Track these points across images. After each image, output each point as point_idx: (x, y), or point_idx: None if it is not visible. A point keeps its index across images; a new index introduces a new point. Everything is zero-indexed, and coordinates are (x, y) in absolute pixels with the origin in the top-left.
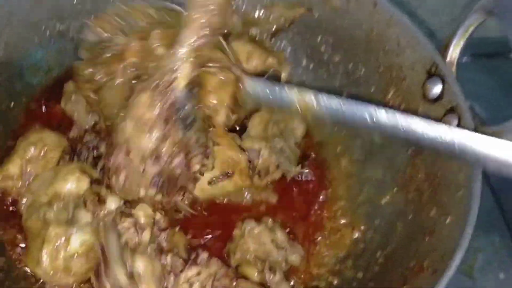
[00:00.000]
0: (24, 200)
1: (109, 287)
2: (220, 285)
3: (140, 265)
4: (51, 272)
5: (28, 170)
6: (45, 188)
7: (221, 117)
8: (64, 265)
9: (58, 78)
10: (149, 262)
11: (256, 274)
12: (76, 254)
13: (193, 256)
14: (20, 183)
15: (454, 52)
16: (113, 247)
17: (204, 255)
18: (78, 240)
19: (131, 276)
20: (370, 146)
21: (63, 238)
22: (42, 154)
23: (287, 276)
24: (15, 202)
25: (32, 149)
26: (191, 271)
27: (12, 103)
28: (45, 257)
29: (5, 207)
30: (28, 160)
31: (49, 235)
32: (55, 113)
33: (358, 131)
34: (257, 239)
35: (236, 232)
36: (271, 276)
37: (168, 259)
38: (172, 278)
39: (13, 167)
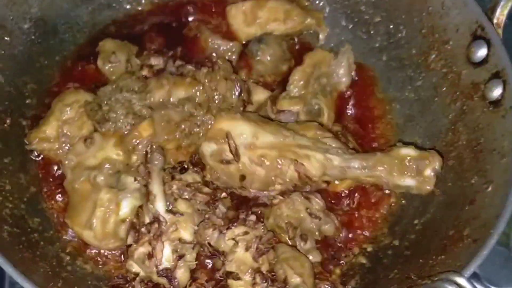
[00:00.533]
0: (67, 162)
1: (147, 218)
2: (263, 247)
3: (183, 206)
4: (101, 236)
5: (64, 132)
6: (94, 151)
7: None
8: (114, 230)
9: (92, 36)
10: (190, 206)
11: (287, 240)
12: (126, 219)
13: (242, 216)
14: (57, 145)
15: (501, 14)
16: (156, 181)
17: (252, 217)
18: (128, 206)
19: (171, 211)
20: (409, 110)
21: (114, 203)
22: (78, 115)
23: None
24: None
25: (68, 111)
26: (238, 229)
27: (46, 61)
28: (96, 221)
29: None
30: (64, 121)
31: (102, 199)
32: (90, 72)
33: (397, 94)
34: (291, 205)
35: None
36: (302, 244)
37: (220, 208)
38: (216, 234)
39: (50, 129)
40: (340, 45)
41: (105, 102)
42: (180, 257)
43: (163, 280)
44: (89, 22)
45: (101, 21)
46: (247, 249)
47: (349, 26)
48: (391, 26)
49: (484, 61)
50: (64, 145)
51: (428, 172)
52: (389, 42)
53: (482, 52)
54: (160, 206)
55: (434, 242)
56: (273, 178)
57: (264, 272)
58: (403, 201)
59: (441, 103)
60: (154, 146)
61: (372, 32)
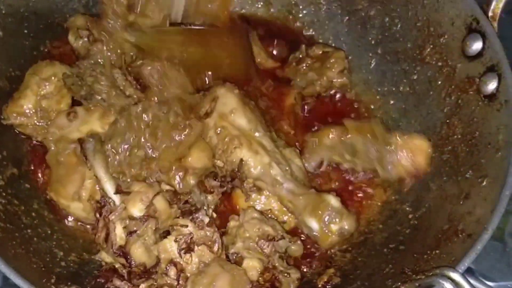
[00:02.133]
0: (49, 135)
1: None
2: (191, 247)
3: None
4: (89, 208)
5: (43, 106)
6: (78, 125)
7: None
8: None
9: None
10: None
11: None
12: None
13: (195, 215)
14: (35, 119)
15: (496, 7)
16: (96, 165)
17: (205, 218)
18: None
19: (118, 191)
20: (405, 104)
21: None
22: (56, 90)
23: None
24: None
25: (46, 86)
26: (182, 221)
27: (39, 55)
28: (86, 193)
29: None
30: (43, 96)
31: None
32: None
33: (392, 88)
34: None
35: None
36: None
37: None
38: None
39: (27, 103)
40: (336, 37)
41: (89, 74)
42: (131, 233)
43: (122, 260)
44: None
45: (96, 14)
46: (176, 240)
47: (345, 19)
48: (386, 19)
49: (479, 54)
50: (42, 119)
51: (335, 227)
52: (384, 35)
53: (477, 46)
54: (107, 187)
55: (429, 237)
56: (219, 151)
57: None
58: (397, 196)
59: (436, 97)
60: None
61: (367, 25)
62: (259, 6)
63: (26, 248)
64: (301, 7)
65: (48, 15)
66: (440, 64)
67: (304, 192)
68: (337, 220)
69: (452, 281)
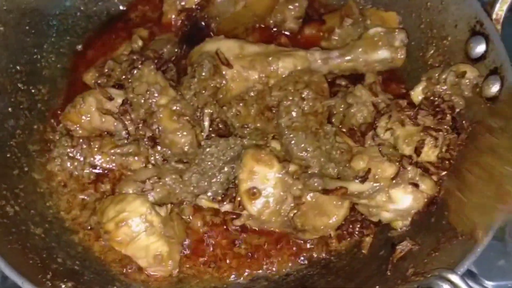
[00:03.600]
0: None
1: None
2: None
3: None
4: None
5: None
6: None
7: None
8: None
9: (87, 28)
10: None
11: None
12: None
13: None
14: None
15: (500, 9)
16: None
17: None
18: None
19: None
20: None
21: None
22: None
23: None
24: None
25: None
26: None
27: (39, 52)
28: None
29: None
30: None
31: None
32: None
33: None
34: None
35: None
36: None
37: None
38: None
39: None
40: None
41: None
42: None
43: None
44: (84, 14)
45: (96, 12)
46: None
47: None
48: None
49: (483, 57)
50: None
51: (397, 43)
52: None
53: (480, 48)
54: None
55: (429, 239)
56: (266, 77)
57: None
58: None
59: None
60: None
61: None
62: None
63: (23, 243)
64: None
65: (49, 11)
66: (443, 66)
67: (348, 46)
68: (393, 36)
69: (451, 283)
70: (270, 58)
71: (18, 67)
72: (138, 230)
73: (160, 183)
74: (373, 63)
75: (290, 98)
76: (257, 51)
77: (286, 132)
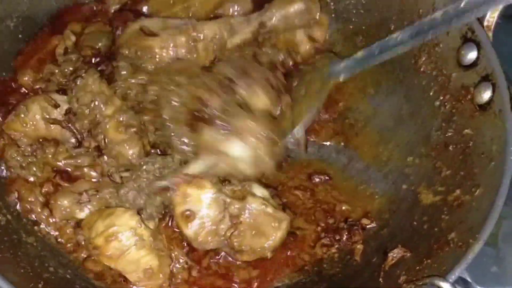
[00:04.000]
0: None
1: None
2: None
3: None
4: None
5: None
6: None
7: None
8: None
9: None
10: None
11: None
12: None
13: None
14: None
15: (491, 16)
16: None
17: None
18: None
19: None
20: (399, 112)
21: None
22: None
23: None
24: None
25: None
26: None
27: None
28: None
29: None
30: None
31: None
32: None
33: (387, 97)
34: None
35: None
36: None
37: None
38: None
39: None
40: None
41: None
42: None
43: None
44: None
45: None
46: None
47: (338, 26)
48: (382, 29)
49: (474, 64)
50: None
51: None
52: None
53: (472, 55)
54: None
55: (421, 246)
56: (193, 41)
57: None
58: (390, 205)
59: (431, 106)
60: None
61: (363, 34)
62: None
63: (14, 252)
64: None
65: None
66: (435, 73)
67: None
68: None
69: None
70: (193, 25)
71: (11, 75)
72: (128, 244)
73: (98, 196)
74: (291, 18)
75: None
76: (180, 22)
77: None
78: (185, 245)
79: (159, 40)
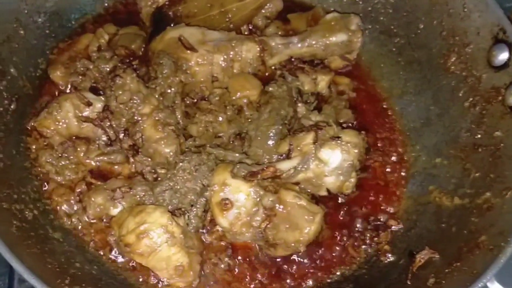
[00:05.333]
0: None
1: None
2: None
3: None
4: None
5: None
6: None
7: None
8: None
9: None
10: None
11: None
12: None
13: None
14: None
15: None
16: None
17: None
18: None
19: None
20: (427, 113)
21: None
22: None
23: None
24: None
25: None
26: None
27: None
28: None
29: None
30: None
31: None
32: None
33: (415, 97)
34: None
35: None
36: None
37: None
38: None
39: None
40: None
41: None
42: None
43: None
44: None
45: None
46: None
47: (368, 27)
48: (411, 28)
49: (505, 65)
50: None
51: (354, 26)
52: (408, 44)
53: (503, 56)
54: None
55: (449, 248)
56: (230, 61)
57: None
58: (418, 207)
59: (460, 107)
60: None
61: (391, 34)
62: None
63: (41, 248)
64: None
65: (68, 15)
66: (464, 73)
67: (306, 32)
68: (349, 21)
69: None
70: (233, 43)
71: (38, 72)
72: (159, 242)
73: (131, 192)
74: (331, 47)
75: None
76: (219, 37)
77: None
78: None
79: (196, 56)
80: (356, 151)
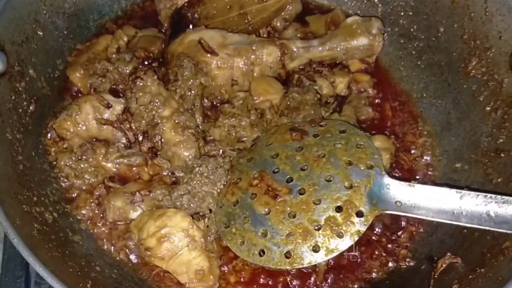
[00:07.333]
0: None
1: None
2: None
3: None
4: None
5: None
6: None
7: None
8: None
9: None
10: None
11: None
12: None
13: None
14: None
15: None
16: None
17: None
18: None
19: None
20: (447, 118)
21: None
22: None
23: None
24: None
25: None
26: None
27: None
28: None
29: None
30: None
31: None
32: None
33: (435, 101)
34: None
35: None
36: None
37: None
38: None
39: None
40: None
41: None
42: None
43: None
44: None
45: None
46: None
47: (387, 29)
48: (431, 32)
49: None
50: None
51: (375, 30)
52: (428, 47)
53: None
54: None
55: (472, 254)
56: (251, 64)
57: None
58: None
59: (481, 111)
60: None
61: (410, 36)
62: None
63: (62, 251)
64: None
65: (87, 16)
66: (486, 78)
67: (327, 35)
68: (370, 25)
69: None
70: (254, 46)
71: (56, 73)
72: (180, 245)
73: (150, 195)
74: (352, 50)
75: None
76: (239, 40)
77: None
78: None
79: (217, 59)
80: (387, 156)
